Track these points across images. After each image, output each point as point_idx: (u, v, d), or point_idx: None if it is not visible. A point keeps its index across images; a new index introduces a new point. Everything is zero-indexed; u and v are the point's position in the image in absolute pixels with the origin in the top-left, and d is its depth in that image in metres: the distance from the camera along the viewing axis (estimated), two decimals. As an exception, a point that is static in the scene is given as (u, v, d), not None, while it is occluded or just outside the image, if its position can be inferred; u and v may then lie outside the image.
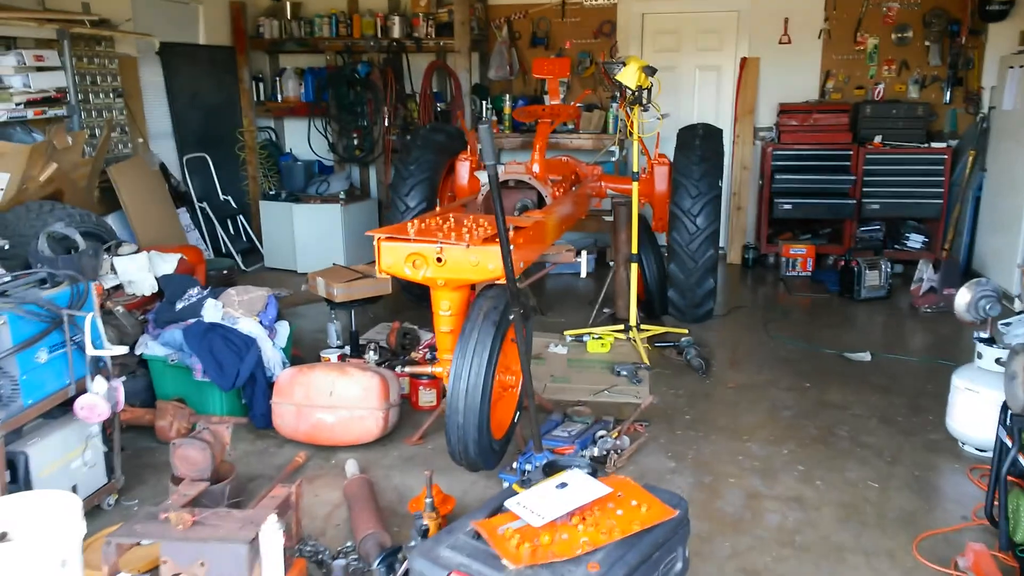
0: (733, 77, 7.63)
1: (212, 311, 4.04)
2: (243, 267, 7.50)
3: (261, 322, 4.13)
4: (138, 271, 4.19)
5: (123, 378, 3.10)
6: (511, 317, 3.04)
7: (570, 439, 3.55)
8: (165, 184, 6.29)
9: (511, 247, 3.06)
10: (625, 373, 4.67)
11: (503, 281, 3.26)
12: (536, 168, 4.67)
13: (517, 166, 4.31)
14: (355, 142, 7.98)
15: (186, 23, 7.49)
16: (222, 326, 3.95)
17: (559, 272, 7.24)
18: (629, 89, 4.60)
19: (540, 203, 4.49)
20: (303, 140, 8.30)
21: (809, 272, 6.98)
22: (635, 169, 4.94)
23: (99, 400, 2.93)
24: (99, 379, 2.96)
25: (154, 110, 7.06)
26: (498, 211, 2.69)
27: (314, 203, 7.34)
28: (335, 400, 3.68)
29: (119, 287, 4.20)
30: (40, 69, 5.24)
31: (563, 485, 2.28)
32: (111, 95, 6.23)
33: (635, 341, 5.03)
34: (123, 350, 3.04)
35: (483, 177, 4.68)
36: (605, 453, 3.59)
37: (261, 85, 8.29)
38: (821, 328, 5.63)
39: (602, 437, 3.72)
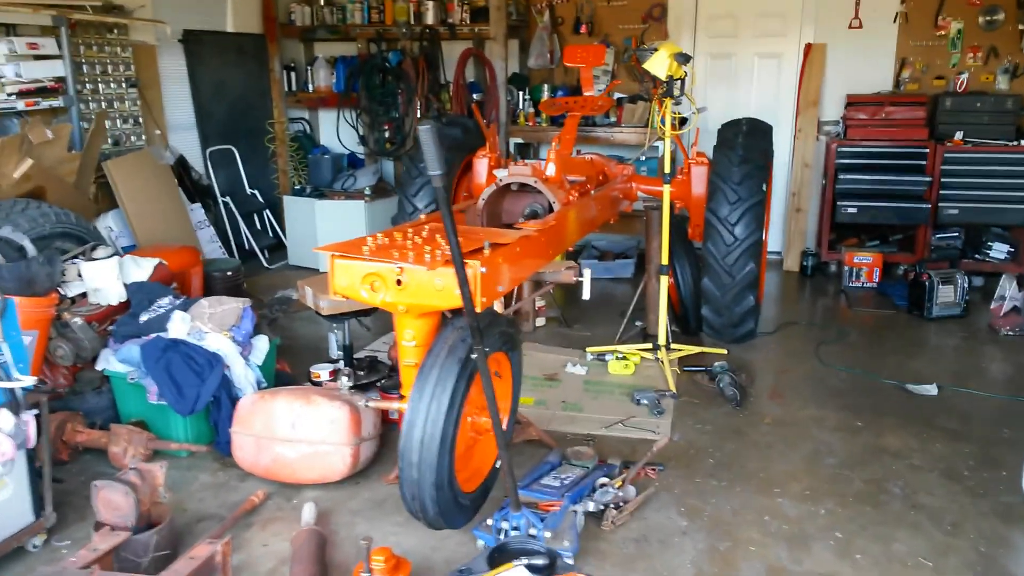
0: (796, 65, 6.90)
1: (179, 325, 3.66)
2: (267, 264, 7.20)
3: (234, 338, 3.73)
4: (106, 278, 3.84)
5: (35, 411, 2.72)
6: (485, 351, 2.53)
7: (560, 491, 3.03)
8: (173, 179, 5.99)
9: (483, 269, 2.57)
10: (646, 402, 4.11)
11: (487, 307, 2.78)
12: (551, 169, 4.13)
13: (523, 167, 3.79)
14: (386, 135, 7.56)
15: (213, 10, 7.18)
16: (185, 343, 3.56)
17: (596, 277, 6.68)
18: (659, 79, 4.03)
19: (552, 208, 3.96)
20: (343, 132, 7.93)
21: (875, 284, 6.24)
22: (666, 170, 4.35)
23: (2, 437, 2.56)
24: (4, 413, 2.58)
25: (176, 101, 6.78)
26: (449, 229, 2.19)
27: (338, 199, 6.96)
28: (297, 433, 3.25)
29: (85, 295, 3.85)
30: (38, 58, 4.98)
31: (496, 591, 1.77)
32: (123, 85, 5.95)
33: (662, 363, 4.46)
34: (30, 381, 2.65)
35: (499, 175, 4.14)
36: (603, 508, 3.05)
37: (294, 75, 7.96)
38: (883, 352, 4.94)
39: (603, 486, 3.19)
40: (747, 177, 4.23)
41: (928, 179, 6.16)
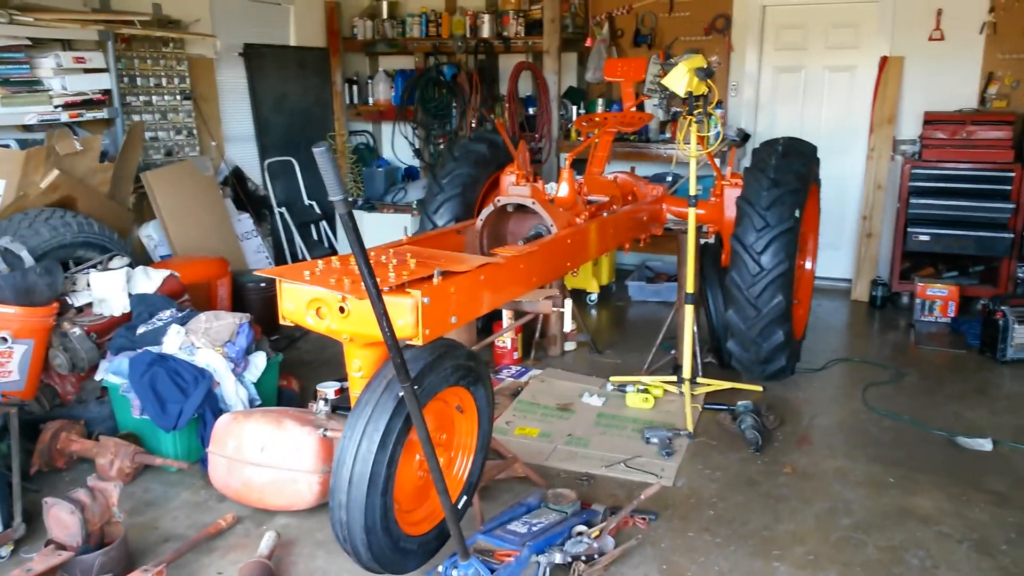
0: (871, 80, 6.42)
1: (173, 339, 3.65)
2: (318, 276, 7.23)
3: (227, 354, 3.70)
4: (111, 289, 3.87)
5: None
6: (413, 388, 2.33)
7: (522, 538, 2.81)
8: (217, 190, 6.08)
9: (426, 300, 2.41)
10: (656, 441, 3.83)
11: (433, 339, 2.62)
12: (563, 189, 3.91)
13: (521, 188, 3.59)
14: (446, 148, 7.49)
15: (275, 24, 7.31)
16: (173, 358, 3.54)
17: (643, 300, 6.40)
18: (678, 96, 3.76)
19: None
20: (398, 145, 7.96)
21: (949, 319, 5.69)
22: (691, 192, 4.07)
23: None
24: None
25: (234, 113, 6.91)
26: (358, 254, 2.03)
27: (387, 212, 6.95)
28: (266, 457, 3.16)
29: (92, 305, 3.90)
30: (88, 71, 5.13)
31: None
32: (177, 97, 6.10)
33: (685, 398, 4.15)
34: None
35: (516, 192, 3.89)
36: (570, 561, 2.81)
37: (356, 88, 8.02)
38: (940, 398, 4.46)
39: (579, 534, 2.95)
40: (777, 202, 3.89)
41: (1013, 206, 5.59)
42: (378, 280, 2.41)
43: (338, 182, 1.92)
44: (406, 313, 2.41)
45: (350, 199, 7.24)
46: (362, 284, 2.35)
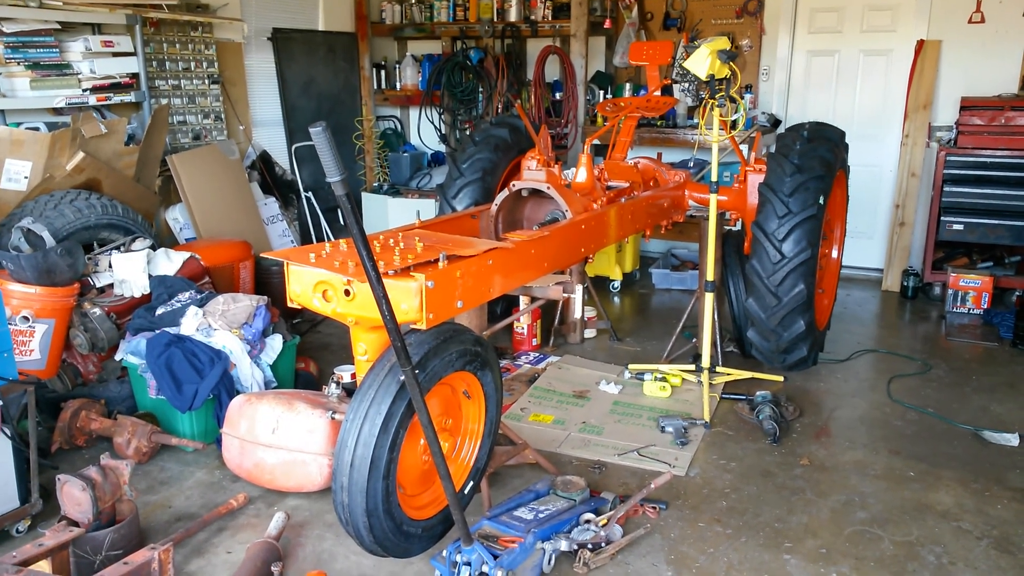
0: (907, 64, 6.25)
1: (191, 320, 3.69)
2: (344, 260, 7.27)
3: (244, 336, 3.72)
4: (132, 270, 3.92)
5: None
6: (414, 371, 2.31)
7: (528, 525, 2.79)
8: (243, 173, 6.12)
9: (430, 283, 2.39)
10: (671, 430, 3.79)
11: (437, 323, 2.61)
12: (582, 174, 3.87)
13: (536, 173, 3.55)
14: (467, 133, 7.46)
15: (304, 8, 7.32)
16: (190, 339, 3.58)
17: (667, 287, 6.33)
18: (699, 79, 3.69)
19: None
20: (425, 130, 7.95)
21: (982, 311, 5.54)
22: (713, 178, 3.99)
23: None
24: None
25: (263, 97, 6.96)
26: (357, 237, 2.02)
27: (411, 197, 6.95)
28: (278, 439, 3.18)
29: (113, 286, 3.95)
30: (116, 55, 5.19)
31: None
32: (206, 81, 6.15)
33: (703, 387, 4.10)
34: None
35: (531, 177, 3.83)
36: (576, 548, 2.79)
37: (384, 72, 8.02)
38: (967, 391, 4.34)
39: (587, 522, 2.93)
40: (800, 188, 3.80)
41: (1051, 195, 5.41)
42: (382, 263, 2.41)
43: (336, 163, 1.90)
44: (410, 297, 2.40)
45: (375, 184, 7.30)
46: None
